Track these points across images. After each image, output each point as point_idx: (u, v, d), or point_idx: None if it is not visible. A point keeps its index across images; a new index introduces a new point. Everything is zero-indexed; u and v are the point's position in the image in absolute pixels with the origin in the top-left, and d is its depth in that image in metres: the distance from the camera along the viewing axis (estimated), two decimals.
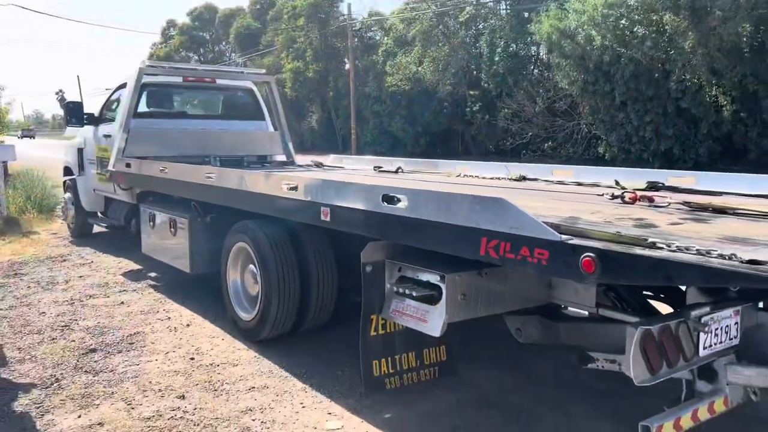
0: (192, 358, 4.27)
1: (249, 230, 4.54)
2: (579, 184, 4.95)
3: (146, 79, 7.41)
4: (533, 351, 4.00)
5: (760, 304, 2.91)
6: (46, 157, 24.04)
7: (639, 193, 3.64)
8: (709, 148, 18.84)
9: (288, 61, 36.51)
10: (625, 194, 3.64)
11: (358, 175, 6.16)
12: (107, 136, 7.62)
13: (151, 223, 6.07)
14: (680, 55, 17.45)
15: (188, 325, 4.98)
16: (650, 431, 2.28)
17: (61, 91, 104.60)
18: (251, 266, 4.61)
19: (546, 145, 23.80)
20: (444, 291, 3.01)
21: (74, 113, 8.11)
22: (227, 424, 3.32)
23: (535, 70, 26.54)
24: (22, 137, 69.28)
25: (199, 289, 5.87)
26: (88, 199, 8.39)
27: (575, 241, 2.27)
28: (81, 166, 8.49)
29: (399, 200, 3.13)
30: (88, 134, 8.29)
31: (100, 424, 3.34)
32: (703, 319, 2.47)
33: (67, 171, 9.12)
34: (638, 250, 2.15)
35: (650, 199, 3.54)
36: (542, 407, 3.50)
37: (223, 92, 8.57)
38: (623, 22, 18.38)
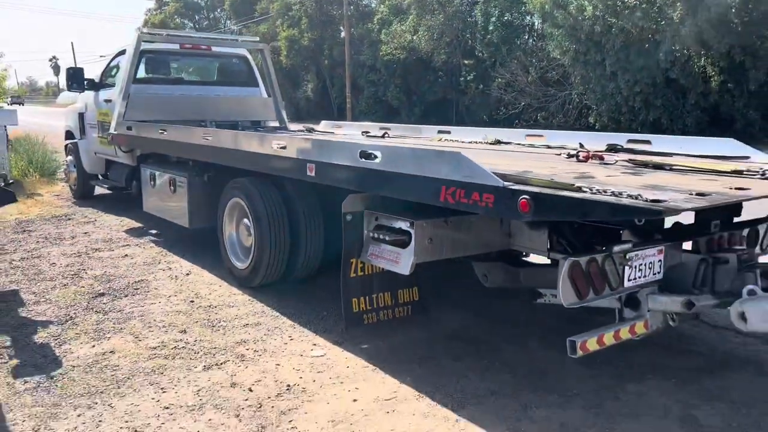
0: (192, 301, 4.73)
1: (243, 187, 4.96)
2: (548, 147, 5.36)
3: (145, 46, 7.74)
4: (497, 295, 4.44)
5: (686, 246, 3.38)
6: (40, 123, 24.26)
7: (592, 152, 4.06)
8: (696, 118, 19.22)
9: (283, 29, 36.50)
10: (579, 153, 4.06)
11: (346, 139, 6.55)
12: (108, 101, 7.97)
13: (152, 183, 6.48)
14: (669, 25, 17.70)
15: (188, 274, 5.43)
16: (575, 345, 2.74)
17: (54, 57, 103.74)
18: (245, 220, 5.04)
19: (539, 114, 24.14)
20: (413, 236, 3.44)
21: (75, 78, 8.44)
22: (224, 353, 3.78)
23: (530, 40, 26.72)
24: (11, 104, 68.91)
25: (197, 244, 6.31)
26: (90, 162, 8.77)
27: (515, 186, 2.70)
28: (82, 130, 8.85)
29: (375, 156, 3.55)
30: (88, 99, 8.63)
31: (112, 352, 3.80)
32: (627, 255, 2.92)
33: (69, 135, 9.47)
34: (564, 193, 2.58)
35: (601, 158, 3.96)
36: (500, 340, 3.97)
37: (219, 59, 8.92)
38: None
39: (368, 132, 7.30)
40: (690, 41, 17.48)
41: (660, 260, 3.10)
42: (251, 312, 4.50)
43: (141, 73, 7.95)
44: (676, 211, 2.28)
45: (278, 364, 3.63)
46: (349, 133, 7.65)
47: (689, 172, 3.47)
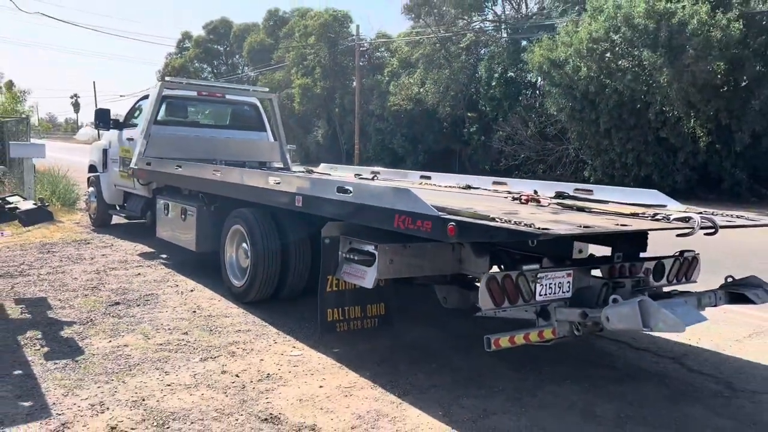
0: (194, 311, 5.52)
1: (244, 216, 5.81)
2: (509, 192, 6.19)
3: (166, 92, 8.75)
4: (454, 314, 5.19)
5: (595, 272, 4.15)
6: (59, 158, 25.38)
7: (532, 196, 4.89)
8: (686, 176, 20.07)
9: (297, 77, 38.07)
10: (521, 197, 4.89)
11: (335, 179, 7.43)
12: (130, 140, 8.93)
13: (166, 212, 7.35)
14: (658, 88, 18.75)
15: (192, 291, 6.23)
16: (490, 341, 3.50)
17: (76, 95, 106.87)
18: (244, 244, 5.86)
19: (538, 167, 25.11)
20: (377, 256, 4.24)
21: (102, 118, 9.46)
22: (218, 350, 4.55)
23: (530, 95, 27.91)
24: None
25: (202, 266, 7.12)
26: (110, 193, 9.70)
27: (446, 216, 3.52)
28: (105, 164, 9.81)
29: (349, 191, 4.39)
30: (112, 137, 9.62)
31: (125, 345, 4.58)
32: (538, 275, 3.71)
33: (92, 168, 10.44)
34: (479, 221, 3.39)
35: (537, 201, 4.78)
36: (451, 350, 4.72)
37: (231, 106, 9.93)
38: (608, 55, 19.70)
39: (360, 174, 8.18)
40: (678, 104, 18.49)
41: (569, 281, 3.89)
42: (244, 321, 5.27)
43: (161, 115, 8.94)
44: (552, 236, 3.08)
45: (262, 360, 4.39)
46: (343, 174, 8.54)
47: (600, 213, 4.28)
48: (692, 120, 19.20)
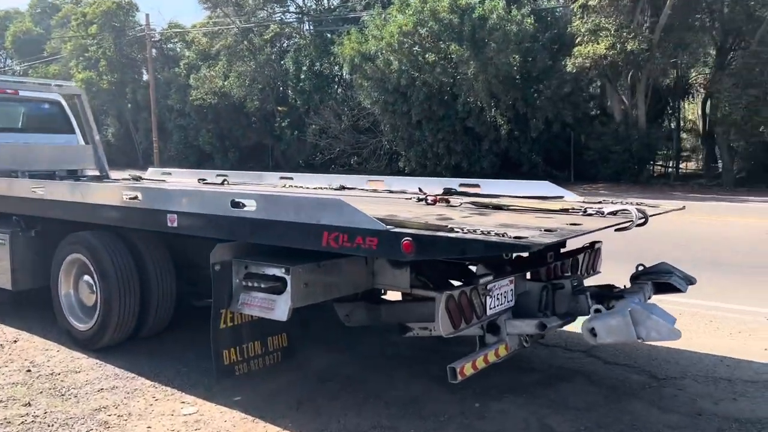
0: (29, 370, 4.26)
1: (85, 241, 4.63)
2: (390, 191, 5.76)
3: None
4: (359, 332, 4.64)
5: (528, 275, 3.88)
6: None
7: (438, 197, 4.50)
8: (491, 161, 21.50)
9: (78, 70, 34.03)
10: (427, 197, 4.48)
11: (183, 187, 6.39)
12: None
13: None
14: (465, 80, 19.75)
15: (15, 341, 4.87)
16: (455, 371, 3.03)
17: None
18: (86, 277, 4.69)
19: (352, 159, 25.22)
20: (289, 281, 3.52)
21: None
22: (83, 422, 3.49)
23: (339, 89, 27.93)
24: None
25: (20, 309, 5.67)
26: None
27: (397, 229, 2.96)
28: None
29: (246, 205, 3.60)
30: None
31: None
32: (488, 286, 3.31)
33: None
34: (441, 233, 2.89)
35: (447, 201, 4.41)
36: (370, 375, 4.16)
37: (24, 104, 8.16)
38: (416, 48, 20.28)
39: (205, 179, 7.18)
40: (482, 94, 19.65)
41: (512, 289, 3.56)
42: (103, 376, 4.18)
43: None
44: (539, 245, 2.69)
45: (149, 427, 3.44)
46: (183, 180, 7.45)
47: (524, 211, 4.02)
48: (493, 109, 20.56)
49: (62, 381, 4.08)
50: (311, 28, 28.93)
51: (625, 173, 19.85)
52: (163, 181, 7.62)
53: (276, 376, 4.06)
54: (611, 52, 17.56)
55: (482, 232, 2.85)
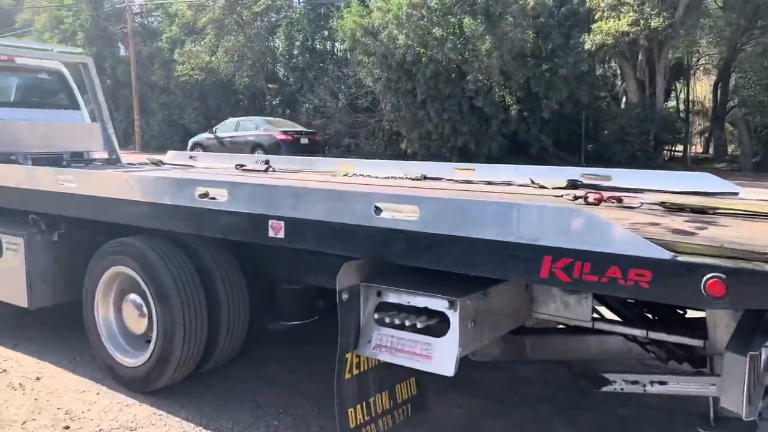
0: (67, 427, 3.17)
1: (133, 251, 3.52)
2: (489, 183, 4.72)
3: None
4: (490, 369, 3.65)
5: None
6: None
7: (605, 194, 3.48)
8: (499, 143, 20.49)
9: (53, 43, 31.97)
10: (587, 195, 3.45)
11: (225, 175, 5.28)
12: None
13: None
14: (477, 57, 18.64)
15: (38, 379, 3.75)
16: None
17: None
18: (133, 296, 3.60)
19: (349, 140, 24.03)
20: (455, 320, 2.50)
21: None
22: None
23: (333, 66, 26.60)
24: None
25: (32, 326, 4.54)
26: None
27: (692, 259, 1.93)
28: None
29: (386, 211, 2.57)
30: None
31: None
32: None
33: None
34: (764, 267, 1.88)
35: (618, 200, 3.39)
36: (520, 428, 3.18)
37: (18, 74, 6.90)
38: (423, 22, 19.08)
39: (243, 165, 6.03)
40: (494, 72, 18.57)
41: None
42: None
43: None
44: None
45: None
46: (217, 166, 6.30)
47: (746, 216, 3.02)
48: (502, 89, 19.51)
49: None
50: (303, 0, 27.45)
51: (642, 156, 19.02)
52: (191, 166, 6.48)
53: None
54: (634, 29, 16.61)
55: None
